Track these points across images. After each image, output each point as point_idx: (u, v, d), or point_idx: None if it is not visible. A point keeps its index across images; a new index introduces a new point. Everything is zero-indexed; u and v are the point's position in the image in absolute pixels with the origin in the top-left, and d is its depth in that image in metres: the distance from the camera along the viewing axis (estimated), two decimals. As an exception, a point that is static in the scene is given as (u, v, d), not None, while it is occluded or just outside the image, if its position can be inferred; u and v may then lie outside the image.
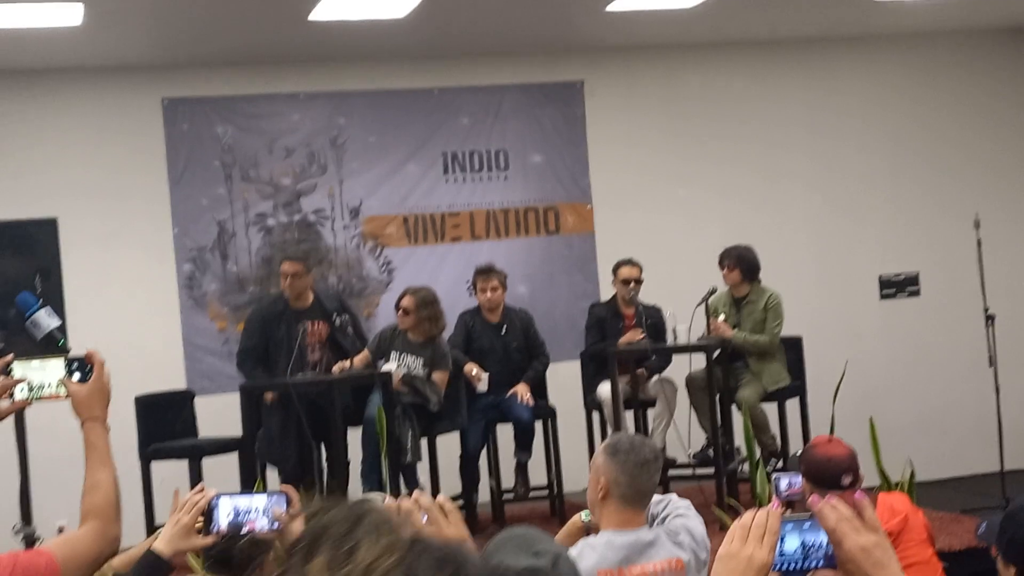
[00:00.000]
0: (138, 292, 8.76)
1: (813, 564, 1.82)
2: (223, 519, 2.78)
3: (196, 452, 7.65)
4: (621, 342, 8.14)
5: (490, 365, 8.09)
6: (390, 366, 7.73)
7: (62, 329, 3.11)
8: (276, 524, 2.76)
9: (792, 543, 1.83)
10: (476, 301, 8.33)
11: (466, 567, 1.24)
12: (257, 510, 2.78)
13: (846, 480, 4.26)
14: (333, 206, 9.14)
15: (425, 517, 1.90)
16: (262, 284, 8.97)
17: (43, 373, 2.94)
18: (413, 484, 7.57)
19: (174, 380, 8.55)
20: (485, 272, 8.23)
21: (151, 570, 2.80)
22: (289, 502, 2.78)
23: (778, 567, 1.83)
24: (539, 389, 8.30)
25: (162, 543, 2.77)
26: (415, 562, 1.20)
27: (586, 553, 3.64)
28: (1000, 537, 2.66)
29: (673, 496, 3.94)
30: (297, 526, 2.77)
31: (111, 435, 3.03)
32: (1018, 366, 9.38)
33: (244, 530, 2.79)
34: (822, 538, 1.81)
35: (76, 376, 2.91)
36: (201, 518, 2.80)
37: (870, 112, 9.81)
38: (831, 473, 4.26)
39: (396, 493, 6.90)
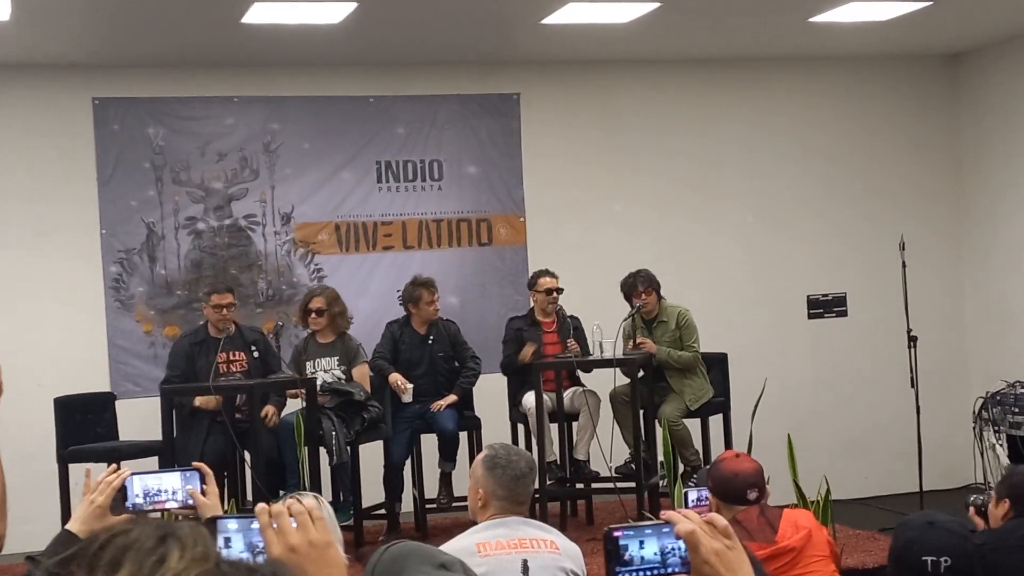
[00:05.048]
0: (64, 293, 8.65)
1: (672, 569, 1.83)
2: (136, 498, 2.79)
3: (115, 455, 7.55)
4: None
5: (417, 375, 8.09)
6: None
7: None
8: (190, 500, 2.79)
9: (651, 548, 1.84)
10: (404, 311, 8.31)
11: None
12: (170, 488, 2.80)
13: (752, 495, 4.30)
14: (264, 211, 9.10)
15: (294, 522, 1.91)
16: (190, 288, 8.90)
17: None
18: (345, 484, 7.57)
19: (98, 382, 8.45)
20: (431, 285, 8.21)
21: (66, 550, 2.76)
22: (203, 479, 2.80)
23: (639, 572, 1.84)
24: (466, 400, 8.30)
25: (76, 523, 2.76)
26: (227, 571, 1.19)
27: (464, 537, 3.76)
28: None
29: None
30: (212, 501, 2.79)
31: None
32: (939, 388, 9.50)
33: (158, 507, 2.80)
34: (678, 543, 1.83)
35: None
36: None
37: (803, 132, 9.91)
38: (737, 487, 4.30)
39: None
